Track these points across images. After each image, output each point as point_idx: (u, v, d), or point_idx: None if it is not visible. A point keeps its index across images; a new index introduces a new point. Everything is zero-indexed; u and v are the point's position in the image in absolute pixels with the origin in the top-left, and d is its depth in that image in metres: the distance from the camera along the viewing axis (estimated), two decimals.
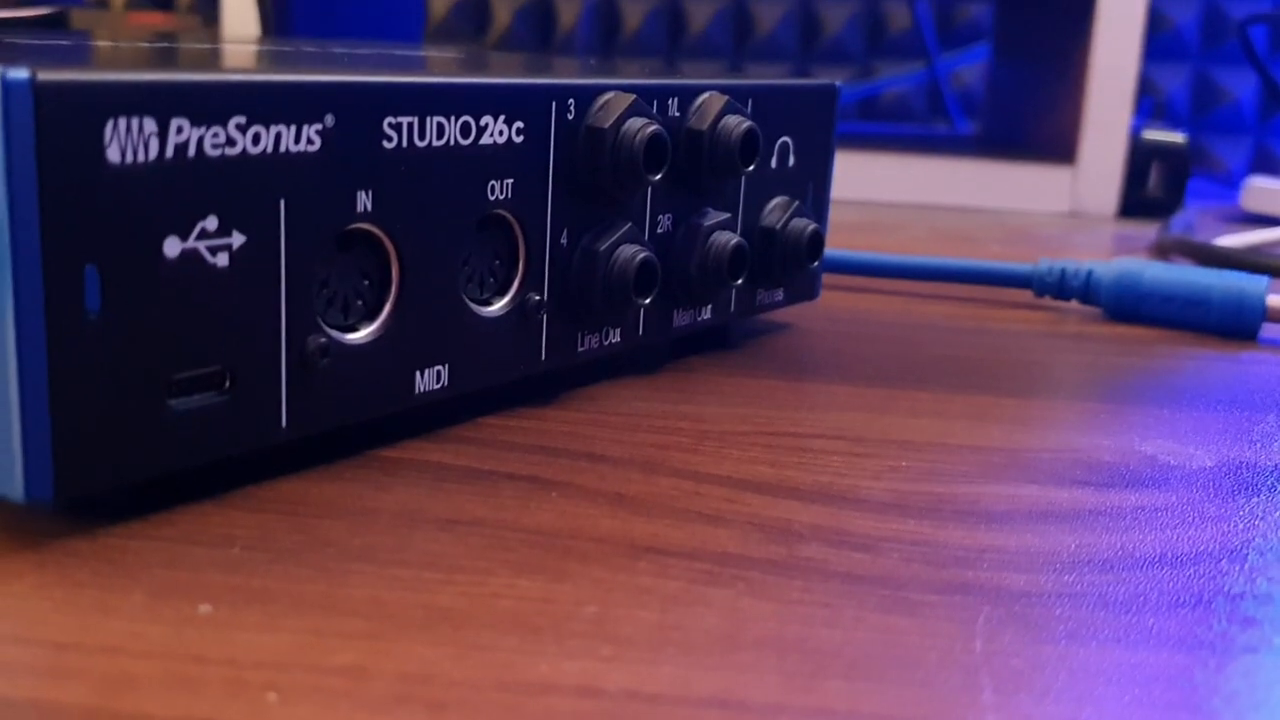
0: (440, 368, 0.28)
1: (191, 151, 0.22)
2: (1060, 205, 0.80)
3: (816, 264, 0.38)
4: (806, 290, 0.41)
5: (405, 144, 0.26)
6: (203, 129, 0.22)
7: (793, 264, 0.37)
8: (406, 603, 0.20)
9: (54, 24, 0.46)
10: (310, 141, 0.24)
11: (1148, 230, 0.73)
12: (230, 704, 0.17)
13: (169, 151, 0.22)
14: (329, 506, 0.24)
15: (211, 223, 0.23)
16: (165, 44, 0.34)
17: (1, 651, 0.18)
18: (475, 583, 0.21)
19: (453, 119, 0.27)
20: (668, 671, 0.19)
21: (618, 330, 0.33)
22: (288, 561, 0.22)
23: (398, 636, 0.19)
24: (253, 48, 0.38)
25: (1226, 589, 0.22)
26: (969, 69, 1.10)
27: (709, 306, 0.36)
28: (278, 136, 0.23)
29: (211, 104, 0.22)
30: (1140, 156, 0.80)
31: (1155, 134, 0.80)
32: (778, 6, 1.08)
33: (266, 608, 0.20)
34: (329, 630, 0.19)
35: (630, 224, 0.32)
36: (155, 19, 0.72)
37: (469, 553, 0.22)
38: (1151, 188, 0.80)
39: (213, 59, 0.30)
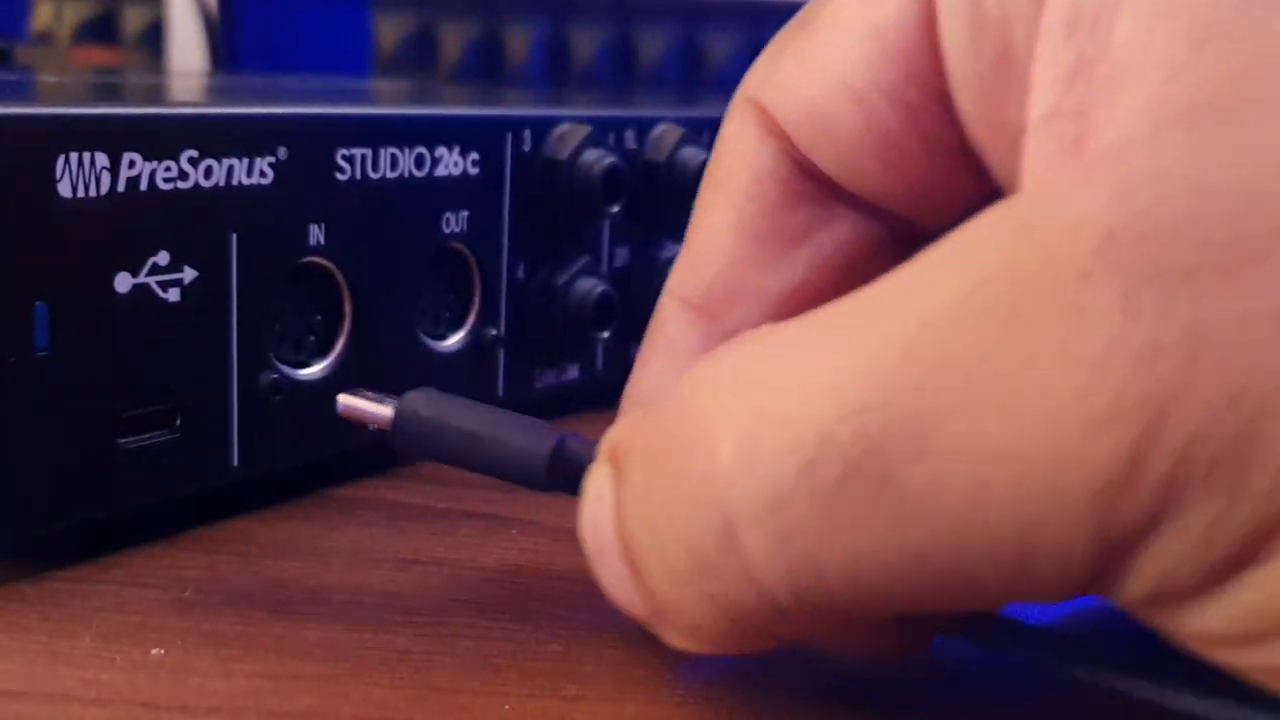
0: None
1: (143, 185, 0.22)
2: None
3: None
4: None
5: (358, 176, 0.25)
6: (154, 163, 0.22)
7: None
8: (364, 644, 0.20)
9: None
10: (262, 174, 0.23)
11: None
12: None
13: (120, 185, 0.21)
14: (282, 547, 0.24)
15: (163, 258, 0.22)
16: (113, 79, 0.34)
17: None
18: (435, 623, 0.21)
19: (406, 151, 0.26)
20: (633, 710, 0.18)
21: (576, 365, 0.32)
22: (241, 604, 0.21)
23: (356, 680, 0.19)
24: (202, 82, 0.37)
25: None
26: None
27: None
28: (229, 170, 0.23)
29: (163, 138, 0.22)
30: None
31: None
32: (729, 39, 1.09)
33: (219, 652, 0.19)
34: (284, 674, 0.19)
35: (588, 256, 0.31)
36: (101, 55, 0.71)
37: (428, 592, 0.22)
38: None
39: (163, 93, 0.30)
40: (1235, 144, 0.13)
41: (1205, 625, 0.13)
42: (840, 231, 0.20)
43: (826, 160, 0.19)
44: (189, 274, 0.23)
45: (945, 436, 0.13)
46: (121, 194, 0.21)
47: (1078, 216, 0.13)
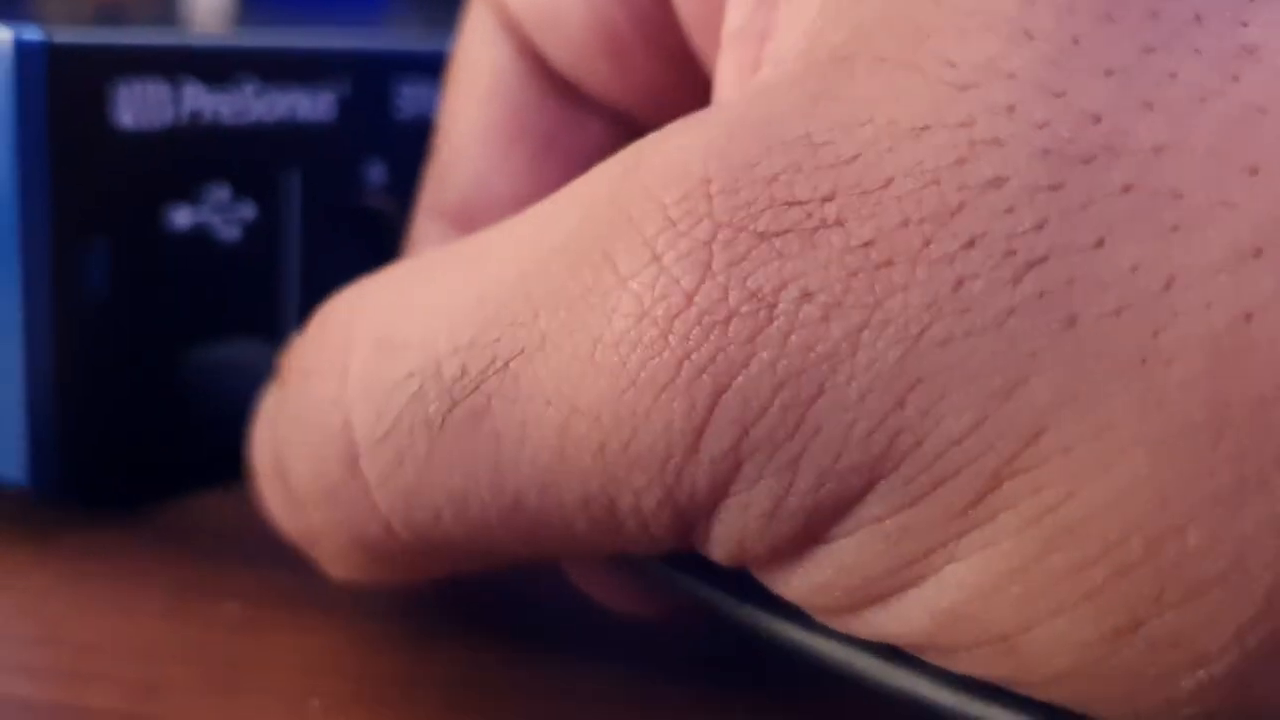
0: None
1: (205, 117, 0.21)
2: None
3: None
4: None
5: (422, 114, 0.24)
6: (217, 94, 0.21)
7: None
8: (445, 602, 0.19)
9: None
10: (326, 109, 0.23)
11: None
12: (271, 711, 0.16)
13: (182, 117, 0.20)
14: None
15: (224, 193, 0.21)
16: (157, 17, 0.33)
17: (24, 653, 0.17)
18: (528, 578, 0.20)
19: None
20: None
21: None
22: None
23: (441, 639, 0.18)
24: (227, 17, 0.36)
25: None
26: None
27: None
28: (293, 104, 0.22)
29: (225, 69, 0.21)
30: None
31: None
32: None
33: (297, 607, 0.19)
34: (368, 633, 0.18)
35: None
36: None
37: None
38: None
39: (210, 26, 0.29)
40: (850, 98, 0.12)
41: (795, 594, 0.13)
42: (592, 135, 0.19)
43: (559, 58, 0.18)
44: (250, 210, 0.22)
45: (535, 380, 0.13)
46: (183, 125, 0.20)
47: (681, 159, 0.13)
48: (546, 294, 0.13)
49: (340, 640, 0.18)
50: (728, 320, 0.12)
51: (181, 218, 0.21)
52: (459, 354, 0.14)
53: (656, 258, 0.12)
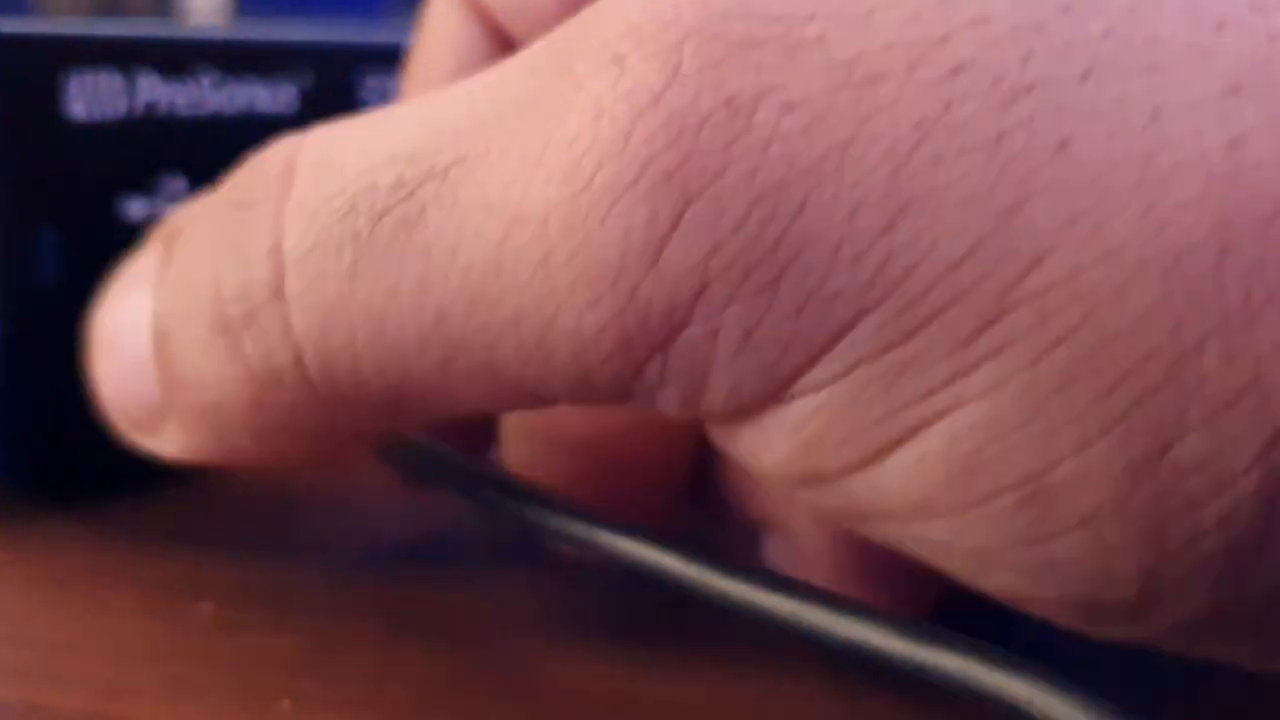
0: None
1: (160, 109, 0.20)
2: None
3: None
4: None
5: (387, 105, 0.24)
6: (172, 85, 0.20)
7: None
8: (420, 602, 0.18)
9: None
10: (289, 101, 0.22)
11: None
12: (242, 712, 0.15)
13: (136, 108, 0.20)
14: (316, 493, 0.22)
15: (180, 184, 0.21)
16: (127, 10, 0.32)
17: None
18: (499, 580, 0.19)
19: None
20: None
21: None
22: (291, 555, 0.19)
23: (417, 641, 0.17)
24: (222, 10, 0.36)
25: None
26: None
27: None
28: (253, 95, 0.22)
29: (182, 60, 0.21)
30: None
31: None
32: None
33: (272, 607, 0.18)
34: (342, 631, 0.17)
35: None
36: None
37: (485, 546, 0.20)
38: None
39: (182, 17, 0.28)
40: None
41: (765, 457, 0.12)
42: None
43: (529, 41, 0.18)
44: None
45: (476, 186, 0.12)
46: (137, 116, 0.20)
47: None
48: (494, 105, 0.13)
49: (312, 640, 0.17)
50: (700, 125, 0.11)
51: (136, 209, 0.20)
52: (396, 164, 0.13)
53: (619, 59, 0.12)
